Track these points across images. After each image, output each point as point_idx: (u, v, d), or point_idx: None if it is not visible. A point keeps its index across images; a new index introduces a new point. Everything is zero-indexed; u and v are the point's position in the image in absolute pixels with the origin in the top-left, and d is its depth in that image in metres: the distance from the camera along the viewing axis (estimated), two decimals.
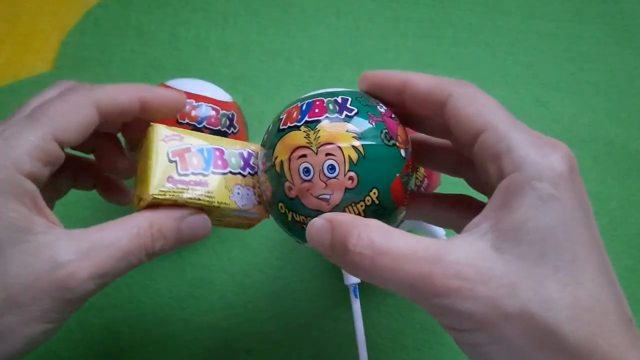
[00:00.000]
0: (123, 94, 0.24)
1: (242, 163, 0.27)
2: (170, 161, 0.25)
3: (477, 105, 0.21)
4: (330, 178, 0.23)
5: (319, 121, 0.24)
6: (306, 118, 0.24)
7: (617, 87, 0.45)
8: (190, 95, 0.32)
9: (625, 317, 0.19)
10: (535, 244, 0.18)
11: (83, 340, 0.35)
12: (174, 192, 0.24)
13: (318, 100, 0.25)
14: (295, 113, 0.25)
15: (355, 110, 0.24)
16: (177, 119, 0.31)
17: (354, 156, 0.23)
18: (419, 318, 0.36)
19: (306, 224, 0.23)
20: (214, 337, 0.35)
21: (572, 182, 0.19)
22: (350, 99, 0.25)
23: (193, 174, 0.25)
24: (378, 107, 0.25)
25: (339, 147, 0.23)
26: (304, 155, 0.24)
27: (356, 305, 0.27)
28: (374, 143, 0.23)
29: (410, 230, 0.34)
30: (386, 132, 0.24)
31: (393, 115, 0.25)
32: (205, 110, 0.32)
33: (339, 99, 0.25)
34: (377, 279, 0.20)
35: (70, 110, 0.23)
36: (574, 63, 0.46)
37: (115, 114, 0.24)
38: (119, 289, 0.36)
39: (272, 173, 0.25)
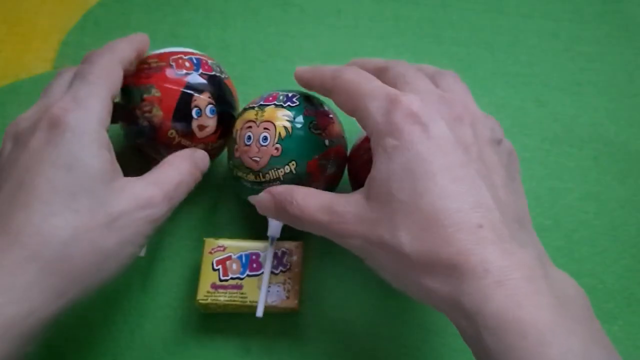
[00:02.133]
0: (131, 50, 0.31)
1: (275, 262, 0.33)
2: (214, 270, 0.33)
3: (343, 94, 0.29)
4: (262, 146, 0.31)
5: (267, 105, 0.33)
6: (261, 102, 0.33)
7: (617, 86, 0.45)
8: (179, 53, 0.34)
9: (474, 222, 0.23)
10: (384, 189, 0.25)
11: (84, 340, 0.35)
12: (215, 295, 0.32)
13: (276, 93, 0.34)
14: (257, 98, 0.34)
15: (297, 104, 0.32)
16: (175, 71, 0.33)
17: (283, 133, 0.31)
18: (419, 318, 0.36)
19: (244, 180, 0.33)
20: (213, 337, 0.35)
21: (413, 127, 0.25)
22: (298, 95, 0.33)
23: (232, 278, 0.33)
24: (319, 106, 0.33)
25: (273, 124, 0.32)
26: (250, 127, 0.32)
27: (270, 252, 0.33)
28: (300, 127, 0.31)
29: None
30: (315, 124, 0.32)
31: (331, 115, 0.34)
32: (197, 60, 0.34)
33: (290, 94, 0.33)
34: (308, 228, 0.28)
35: (111, 71, 0.29)
36: (575, 63, 0.46)
37: (127, 66, 0.31)
38: (120, 289, 0.36)
39: (231, 139, 0.34)
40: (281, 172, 0.31)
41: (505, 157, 0.28)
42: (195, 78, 0.33)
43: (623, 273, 0.38)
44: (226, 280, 0.33)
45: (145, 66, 0.34)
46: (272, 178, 0.32)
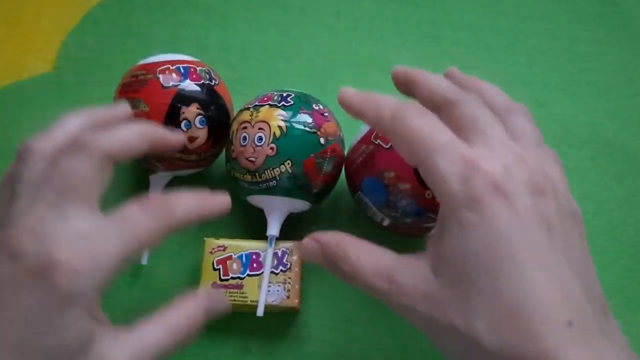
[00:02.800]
0: (134, 142, 0.25)
1: (275, 262, 0.33)
2: (215, 269, 0.33)
3: (405, 142, 0.24)
4: (257, 146, 0.32)
5: (262, 106, 0.33)
6: (255, 103, 0.34)
7: (616, 87, 0.45)
8: (166, 62, 0.34)
9: (563, 319, 0.20)
10: (458, 267, 0.21)
11: None
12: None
13: (271, 94, 0.34)
14: (253, 99, 0.34)
15: (291, 103, 0.32)
16: (162, 83, 0.33)
17: (277, 133, 0.31)
18: None
19: (242, 180, 0.33)
20: (213, 337, 0.35)
21: (495, 200, 0.21)
22: (293, 95, 0.33)
23: (232, 278, 0.33)
24: (314, 105, 0.33)
25: (268, 124, 0.32)
26: (245, 128, 0.33)
27: (270, 252, 0.33)
28: (295, 126, 0.32)
29: None
30: (310, 123, 0.32)
31: (326, 114, 0.34)
32: (184, 69, 0.34)
33: (284, 94, 0.33)
34: (363, 290, 0.24)
35: (92, 178, 0.23)
36: (573, 63, 0.46)
37: (126, 159, 0.25)
38: (120, 288, 0.36)
39: (228, 140, 0.34)
40: (277, 171, 0.32)
41: (582, 231, 0.24)
42: (183, 89, 0.33)
43: (622, 273, 0.38)
44: (226, 280, 0.33)
45: (133, 79, 0.34)
46: (268, 177, 0.32)
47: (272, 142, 0.31)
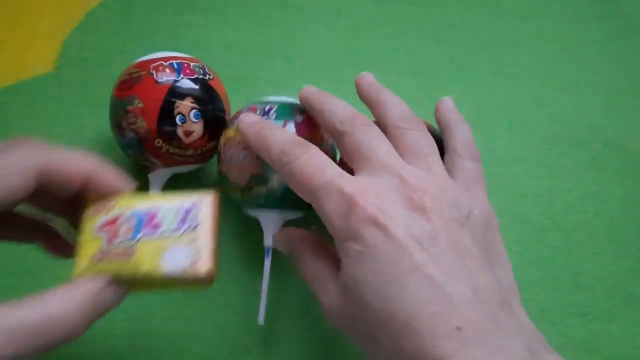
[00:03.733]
0: (76, 165, 0.23)
1: (178, 220, 0.24)
2: (96, 236, 0.23)
3: (299, 186, 0.27)
4: (244, 164, 0.31)
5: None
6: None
7: (616, 87, 0.45)
8: (160, 59, 0.34)
9: (452, 325, 0.21)
10: (356, 295, 0.23)
11: (83, 338, 0.35)
12: (98, 267, 0.22)
13: (253, 107, 0.33)
14: (238, 112, 0.34)
15: (274, 117, 0.32)
16: (156, 79, 0.33)
17: None
18: None
19: (232, 195, 0.33)
20: (213, 336, 0.35)
21: (372, 231, 0.23)
22: (275, 106, 0.33)
23: (119, 243, 0.23)
24: (297, 116, 0.32)
25: None
26: (230, 146, 0.32)
27: (267, 262, 0.33)
28: None
29: None
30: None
31: (313, 122, 0.32)
32: (177, 65, 0.34)
33: (266, 107, 0.33)
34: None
35: (6, 170, 0.21)
36: (573, 63, 0.46)
37: (56, 184, 0.23)
38: None
39: (218, 152, 0.34)
40: (265, 188, 0.31)
41: (479, 230, 0.25)
42: (177, 84, 0.33)
43: (622, 272, 0.38)
44: (112, 247, 0.23)
45: (127, 77, 0.34)
46: (258, 194, 0.32)
47: (257, 159, 0.31)
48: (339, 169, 0.26)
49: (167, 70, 0.33)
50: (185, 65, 0.34)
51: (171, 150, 0.34)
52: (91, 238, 0.23)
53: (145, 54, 0.36)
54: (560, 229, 0.39)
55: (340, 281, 0.25)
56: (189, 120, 0.33)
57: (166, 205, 0.24)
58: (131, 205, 0.24)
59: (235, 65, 0.44)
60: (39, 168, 0.22)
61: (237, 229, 0.38)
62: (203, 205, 0.24)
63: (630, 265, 0.38)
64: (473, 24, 0.47)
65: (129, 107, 0.33)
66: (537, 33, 0.47)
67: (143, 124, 0.33)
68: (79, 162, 0.23)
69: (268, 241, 0.33)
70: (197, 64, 0.35)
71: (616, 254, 0.38)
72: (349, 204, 0.24)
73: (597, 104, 0.44)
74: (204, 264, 0.22)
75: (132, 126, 0.33)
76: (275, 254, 0.35)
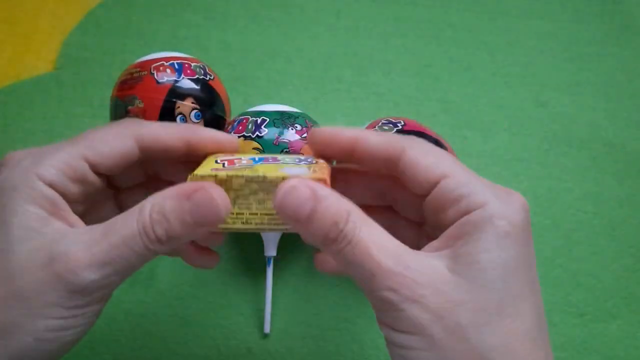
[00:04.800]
0: (167, 133, 0.24)
1: (296, 160, 0.24)
2: (218, 163, 0.23)
3: (434, 156, 0.23)
4: None
5: (237, 137, 0.32)
6: (232, 133, 0.33)
7: (616, 87, 0.45)
8: (161, 59, 0.34)
9: (550, 357, 0.20)
10: (486, 273, 0.20)
11: (85, 339, 0.35)
12: (216, 173, 0.21)
13: (245, 119, 0.33)
14: (229, 126, 0.34)
15: (265, 132, 0.31)
16: (156, 79, 0.33)
17: None
18: None
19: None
20: (214, 336, 0.35)
21: (525, 230, 0.21)
22: (268, 120, 0.32)
23: (240, 167, 0.22)
24: (290, 129, 0.32)
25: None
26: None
27: (269, 271, 0.34)
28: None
29: None
30: (287, 151, 0.31)
31: (305, 135, 0.32)
32: (178, 65, 0.34)
33: (259, 120, 0.32)
34: (357, 273, 0.20)
35: (108, 138, 0.23)
36: (573, 63, 0.46)
37: (158, 150, 0.24)
38: (121, 287, 0.36)
39: None
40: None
41: None
42: (178, 84, 0.33)
43: (622, 272, 0.38)
44: (232, 168, 0.22)
45: (128, 77, 0.34)
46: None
47: None
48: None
49: (168, 70, 0.33)
50: (186, 65, 0.34)
51: None
52: (213, 163, 0.23)
53: (146, 54, 0.36)
54: (560, 229, 0.39)
55: (450, 258, 0.21)
56: (190, 121, 0.33)
57: (285, 156, 0.25)
58: (251, 155, 0.25)
59: (235, 65, 0.44)
60: (136, 135, 0.24)
61: (238, 235, 0.38)
62: (320, 161, 0.24)
63: (630, 265, 0.38)
64: (473, 24, 0.47)
65: (129, 107, 0.33)
66: (537, 33, 0.47)
67: None
68: (176, 128, 0.25)
69: (269, 251, 0.34)
70: (197, 64, 0.35)
71: (616, 253, 0.38)
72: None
73: (597, 104, 0.44)
74: (322, 174, 0.21)
75: None
76: (276, 263, 0.35)
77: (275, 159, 0.24)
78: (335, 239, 0.20)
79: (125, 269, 0.21)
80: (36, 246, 0.20)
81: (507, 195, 0.22)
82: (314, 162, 0.24)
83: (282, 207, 0.19)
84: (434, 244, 0.22)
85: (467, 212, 0.21)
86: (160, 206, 0.20)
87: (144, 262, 0.21)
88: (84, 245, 0.20)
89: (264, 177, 0.21)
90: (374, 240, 0.20)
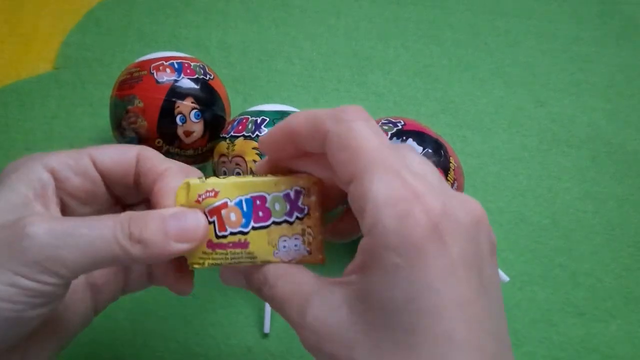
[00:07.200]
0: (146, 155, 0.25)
1: (287, 207, 0.23)
2: (209, 222, 0.23)
3: (347, 149, 0.20)
4: None
5: (237, 137, 0.32)
6: (232, 133, 0.33)
7: (615, 87, 0.45)
8: (160, 59, 0.34)
9: None
10: (379, 313, 0.18)
11: (82, 338, 0.35)
12: (214, 257, 0.23)
13: (245, 119, 0.33)
14: (229, 126, 0.34)
15: (265, 131, 0.31)
16: (156, 79, 0.33)
17: (254, 167, 0.28)
18: None
19: None
20: (214, 336, 0.35)
21: (432, 243, 0.18)
22: (267, 120, 0.32)
23: (232, 234, 0.23)
24: None
25: (244, 159, 0.31)
26: (224, 162, 0.32)
27: None
28: None
29: None
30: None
31: None
32: (178, 65, 0.34)
33: (259, 120, 0.32)
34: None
35: (112, 148, 0.25)
36: (573, 63, 0.46)
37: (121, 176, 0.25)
38: None
39: (213, 163, 0.34)
40: None
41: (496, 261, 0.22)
42: (177, 84, 0.33)
43: (621, 272, 0.38)
44: (225, 237, 0.23)
45: (128, 77, 0.34)
46: None
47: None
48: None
49: (168, 70, 0.33)
50: (186, 65, 0.34)
51: (171, 150, 0.34)
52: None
53: (146, 54, 0.36)
54: (560, 229, 0.39)
55: (352, 289, 0.20)
56: (190, 121, 0.33)
57: (274, 190, 0.24)
58: (235, 190, 0.24)
59: (235, 65, 0.44)
60: (138, 151, 0.25)
61: None
62: (312, 190, 0.24)
63: (630, 264, 0.38)
64: (472, 24, 0.47)
65: (129, 107, 0.33)
66: (536, 33, 0.47)
67: (144, 124, 0.33)
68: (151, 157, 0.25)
69: None
70: (197, 63, 0.35)
71: (615, 253, 0.39)
72: (413, 201, 0.18)
73: (597, 104, 0.44)
74: (317, 253, 0.23)
75: (133, 125, 0.33)
76: None
77: (265, 214, 0.23)
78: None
79: (86, 255, 0.21)
80: (7, 217, 0.21)
81: (408, 207, 0.18)
82: (305, 211, 0.23)
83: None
84: (350, 266, 0.20)
85: (366, 234, 0.19)
86: (141, 228, 0.22)
87: (109, 258, 0.21)
88: (48, 218, 0.21)
89: (255, 260, 0.23)
90: (283, 291, 0.22)
